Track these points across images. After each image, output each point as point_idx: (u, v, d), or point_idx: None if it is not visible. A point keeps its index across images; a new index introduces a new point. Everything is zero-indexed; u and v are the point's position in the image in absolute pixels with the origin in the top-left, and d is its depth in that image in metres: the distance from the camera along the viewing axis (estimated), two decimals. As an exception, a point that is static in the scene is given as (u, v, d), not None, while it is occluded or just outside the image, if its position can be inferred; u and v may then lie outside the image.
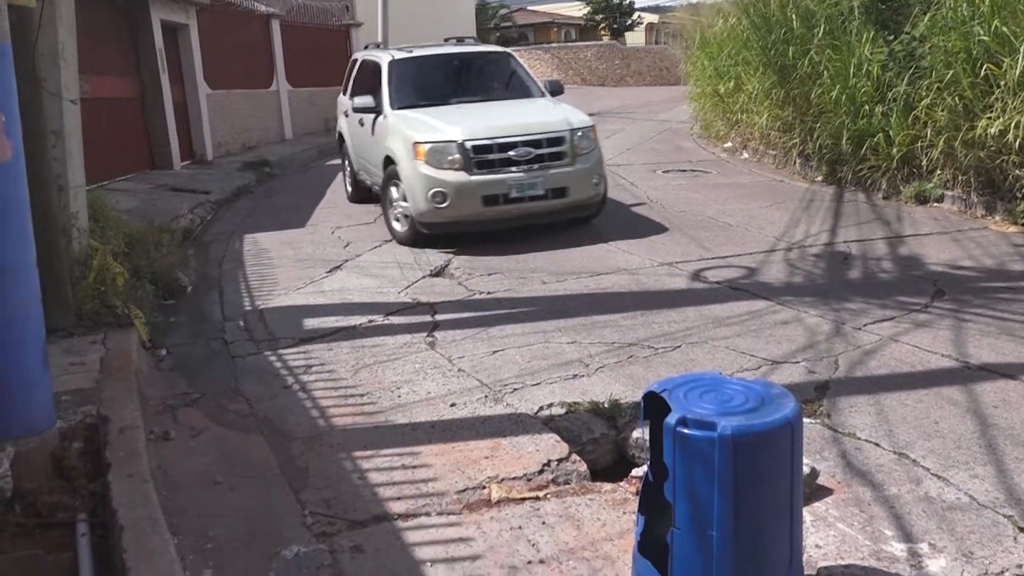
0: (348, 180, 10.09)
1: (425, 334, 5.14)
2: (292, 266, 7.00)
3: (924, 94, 7.98)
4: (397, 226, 7.70)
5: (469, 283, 6.27)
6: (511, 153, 7.16)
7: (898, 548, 2.80)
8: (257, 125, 15.47)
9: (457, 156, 7.10)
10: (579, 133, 7.45)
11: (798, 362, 4.46)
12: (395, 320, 5.46)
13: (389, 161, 7.71)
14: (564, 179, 7.31)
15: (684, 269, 6.34)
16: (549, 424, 3.81)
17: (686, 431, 2.17)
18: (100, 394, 3.85)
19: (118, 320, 4.87)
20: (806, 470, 3.06)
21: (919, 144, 8.13)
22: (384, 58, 8.74)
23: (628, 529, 2.96)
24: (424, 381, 4.39)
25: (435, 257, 7.04)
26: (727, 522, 2.15)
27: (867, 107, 8.79)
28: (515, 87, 8.87)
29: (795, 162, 10.53)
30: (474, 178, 7.09)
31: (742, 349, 4.67)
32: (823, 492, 3.16)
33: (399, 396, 4.22)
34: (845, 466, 3.36)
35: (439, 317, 5.47)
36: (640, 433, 3.61)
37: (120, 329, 4.80)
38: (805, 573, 2.49)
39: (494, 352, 4.78)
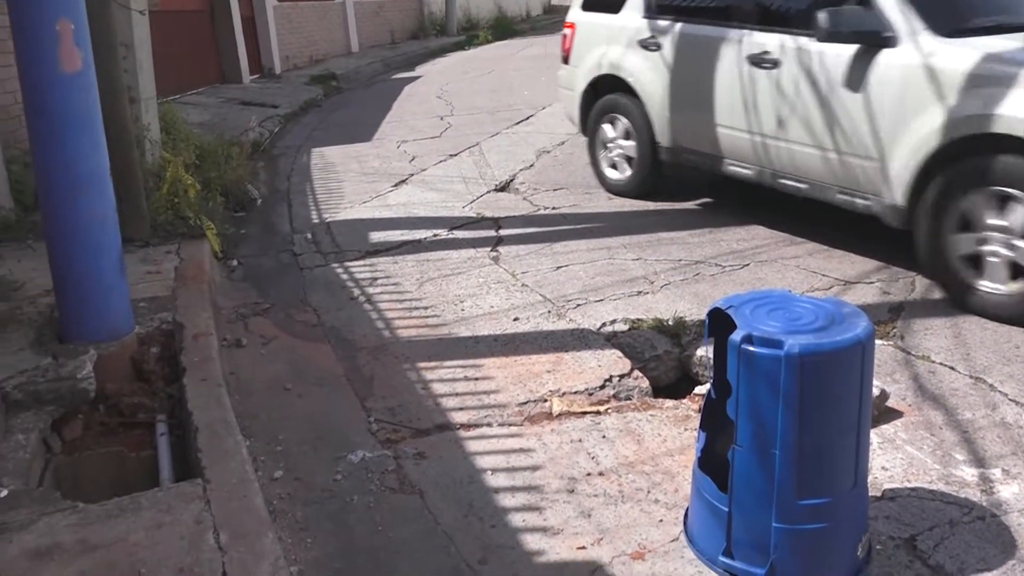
0: (616, 158, 6.18)
1: (489, 248, 5.14)
2: (358, 180, 7.03)
3: None
4: (989, 284, 3.89)
5: (534, 198, 6.20)
6: None
7: (968, 473, 2.73)
8: (324, 38, 15.38)
9: None
10: None
11: (872, 283, 4.31)
12: (459, 234, 5.46)
13: (992, 146, 3.79)
14: None
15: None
16: (612, 340, 3.79)
17: (751, 349, 2.12)
18: (175, 302, 3.97)
19: (191, 231, 4.98)
20: (876, 392, 2.99)
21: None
22: None
23: (689, 445, 2.96)
24: (487, 295, 4.41)
25: (500, 172, 6.98)
26: (790, 441, 2.12)
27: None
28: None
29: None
30: None
31: (813, 268, 4.54)
32: (893, 414, 3.09)
33: (463, 309, 4.25)
34: (917, 389, 3.27)
35: (503, 232, 5.45)
36: (704, 351, 3.57)
37: (193, 240, 4.92)
38: (870, 495, 2.45)
39: (558, 268, 4.75)
